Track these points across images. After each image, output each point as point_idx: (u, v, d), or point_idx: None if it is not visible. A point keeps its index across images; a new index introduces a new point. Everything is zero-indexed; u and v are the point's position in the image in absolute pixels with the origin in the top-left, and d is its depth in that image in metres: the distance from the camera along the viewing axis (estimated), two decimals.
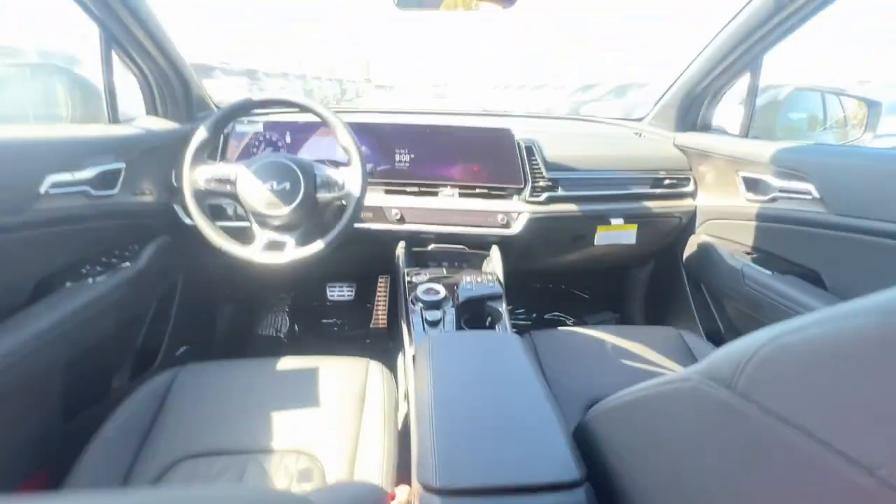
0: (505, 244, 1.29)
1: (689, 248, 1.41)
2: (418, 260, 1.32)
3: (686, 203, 1.40)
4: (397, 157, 1.30)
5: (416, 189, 1.29)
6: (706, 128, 1.44)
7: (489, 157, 1.31)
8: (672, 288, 1.53)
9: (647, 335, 1.12)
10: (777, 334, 0.32)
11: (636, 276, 1.70)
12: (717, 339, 1.34)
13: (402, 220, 1.27)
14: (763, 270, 1.11)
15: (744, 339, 0.36)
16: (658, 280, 1.65)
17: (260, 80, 9.80)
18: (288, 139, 1.30)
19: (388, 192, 1.29)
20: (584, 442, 0.57)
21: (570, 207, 1.31)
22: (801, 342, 0.30)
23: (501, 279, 1.17)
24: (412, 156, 1.30)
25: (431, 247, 1.32)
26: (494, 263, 1.26)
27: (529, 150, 1.30)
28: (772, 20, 1.03)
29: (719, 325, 1.34)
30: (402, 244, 1.29)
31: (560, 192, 1.30)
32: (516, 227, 1.27)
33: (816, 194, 1.01)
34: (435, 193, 1.30)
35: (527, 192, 1.28)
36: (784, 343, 0.31)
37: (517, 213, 1.27)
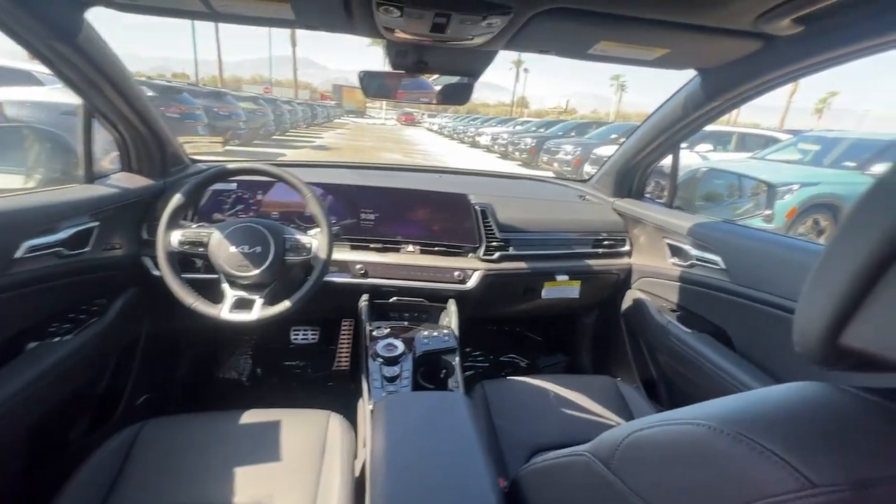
0: (461, 298, 1.40)
1: (626, 302, 1.57)
2: (380, 311, 1.40)
3: (623, 261, 1.57)
4: (363, 216, 1.40)
5: (379, 245, 1.39)
6: (639, 195, 1.63)
7: (448, 219, 1.43)
8: (613, 337, 1.68)
9: (587, 385, 1.25)
10: (638, 427, 0.44)
11: (583, 322, 1.85)
12: (650, 387, 1.49)
13: (365, 275, 1.36)
14: (684, 328, 1.27)
15: (622, 426, 0.47)
16: (602, 328, 1.80)
17: (229, 104, 9.71)
18: (259, 196, 1.38)
19: (353, 247, 1.38)
20: (518, 496, 0.66)
21: (520, 265, 1.45)
22: (651, 436, 0.42)
23: (457, 333, 1.27)
24: (377, 215, 1.41)
25: (393, 299, 1.41)
26: (451, 316, 1.36)
27: (484, 214, 1.44)
28: (680, 122, 1.23)
29: (653, 374, 1.49)
30: (365, 297, 1.37)
31: (511, 251, 1.44)
32: (471, 283, 1.38)
33: (723, 265, 1.18)
34: (397, 250, 1.40)
35: (481, 250, 1.41)
36: (641, 435, 0.43)
37: (472, 269, 1.39)
